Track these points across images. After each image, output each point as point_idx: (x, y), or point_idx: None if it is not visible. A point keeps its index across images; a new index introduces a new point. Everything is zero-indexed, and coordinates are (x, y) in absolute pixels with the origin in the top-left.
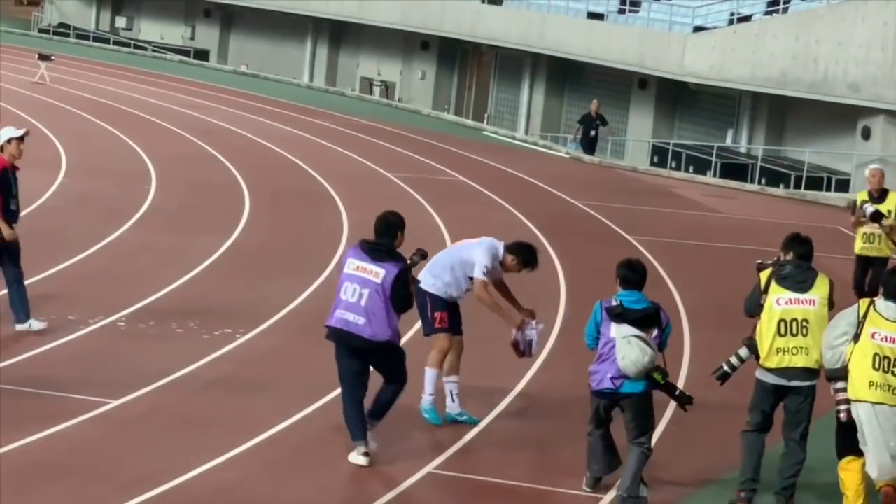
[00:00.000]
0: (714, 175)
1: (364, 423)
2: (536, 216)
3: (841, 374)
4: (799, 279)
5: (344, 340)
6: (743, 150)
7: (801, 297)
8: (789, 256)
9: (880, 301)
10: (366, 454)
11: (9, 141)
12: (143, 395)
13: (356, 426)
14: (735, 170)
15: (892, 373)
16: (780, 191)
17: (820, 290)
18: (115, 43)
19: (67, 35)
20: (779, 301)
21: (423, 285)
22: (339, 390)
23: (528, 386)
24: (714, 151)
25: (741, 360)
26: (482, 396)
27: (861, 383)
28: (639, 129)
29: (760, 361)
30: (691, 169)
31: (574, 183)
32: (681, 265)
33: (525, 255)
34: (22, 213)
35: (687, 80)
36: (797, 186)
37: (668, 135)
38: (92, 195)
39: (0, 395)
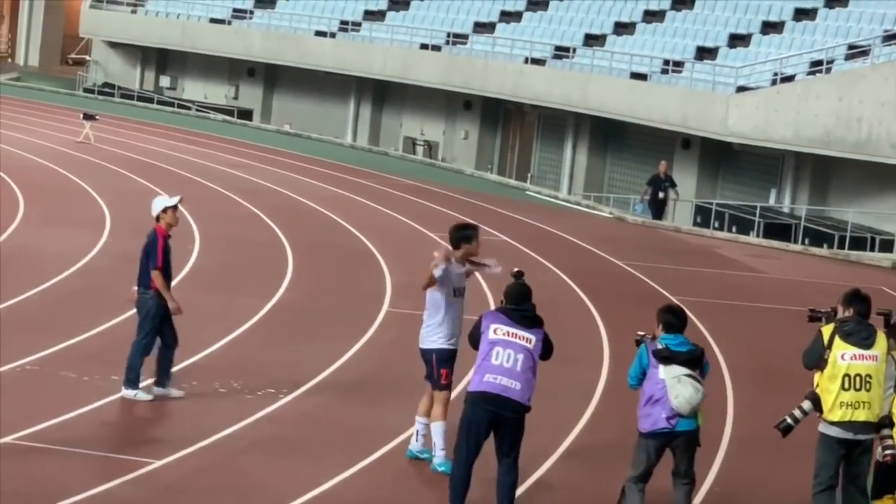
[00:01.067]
0: (757, 235)
1: (468, 487)
2: (580, 276)
3: (887, 421)
4: (863, 335)
5: (498, 405)
6: (786, 210)
7: (866, 353)
8: (848, 312)
9: None
10: None
11: (164, 210)
12: (186, 455)
13: (461, 496)
14: (778, 230)
15: None
16: (823, 251)
17: (881, 346)
18: (160, 102)
19: (112, 94)
20: (843, 356)
21: (423, 345)
22: (380, 452)
23: (574, 444)
24: (757, 211)
25: (804, 414)
26: (525, 457)
27: None
28: (682, 189)
29: (824, 415)
30: (734, 229)
31: (617, 243)
32: (724, 325)
33: (462, 235)
34: (66, 273)
35: (730, 140)
36: (841, 247)
37: (711, 195)
38: (135, 255)
39: (45, 454)
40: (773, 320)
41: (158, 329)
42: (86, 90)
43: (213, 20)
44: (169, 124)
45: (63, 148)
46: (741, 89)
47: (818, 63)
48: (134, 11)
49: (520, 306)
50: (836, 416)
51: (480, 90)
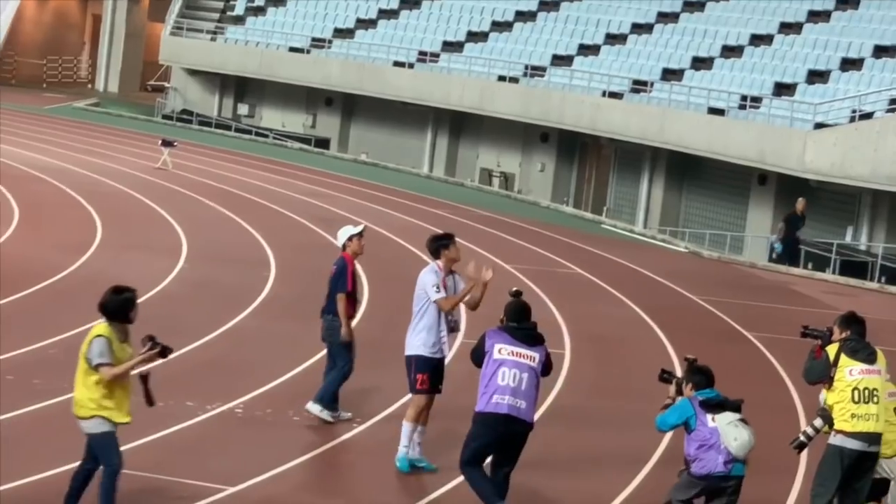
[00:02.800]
0: (833, 272)
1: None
2: (655, 311)
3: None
4: (867, 352)
5: (507, 425)
6: (863, 247)
7: (871, 367)
8: (846, 333)
9: None
10: None
11: (350, 238)
12: (259, 482)
13: (494, 488)
14: (855, 267)
15: None
16: None
17: (881, 362)
18: (237, 130)
19: (190, 121)
20: (852, 371)
21: (407, 351)
22: (455, 482)
23: (645, 483)
24: (833, 248)
25: (817, 431)
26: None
27: None
28: (758, 225)
29: (836, 427)
30: (810, 266)
31: (693, 278)
32: (799, 364)
33: (439, 244)
34: (142, 299)
35: (807, 176)
36: None
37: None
38: (211, 282)
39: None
40: None
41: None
42: (164, 117)
43: (291, 49)
44: (246, 152)
45: (141, 174)
46: (819, 126)
47: None
48: (213, 39)
49: (521, 324)
50: (849, 427)
51: (557, 123)
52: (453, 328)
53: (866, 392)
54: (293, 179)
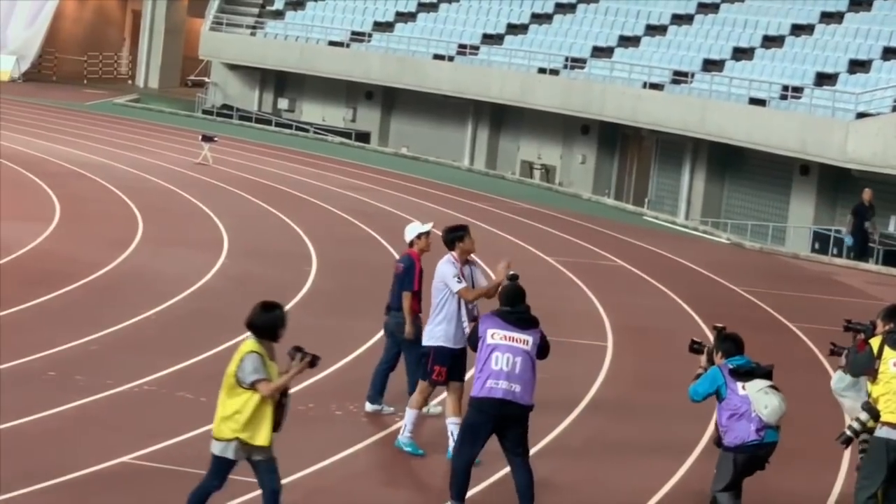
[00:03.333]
0: (876, 262)
1: (467, 487)
2: (698, 303)
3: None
4: None
5: (502, 409)
6: None
7: None
8: (889, 326)
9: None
10: None
11: (418, 236)
12: (302, 477)
13: (462, 489)
14: None
15: None
16: None
17: None
18: (278, 124)
19: (230, 116)
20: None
21: (426, 342)
22: (498, 475)
23: (687, 475)
24: (877, 238)
25: (863, 424)
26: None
27: None
28: (800, 216)
29: (882, 419)
30: (853, 256)
31: (735, 269)
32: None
33: (454, 235)
34: (183, 294)
35: (849, 166)
36: None
37: (830, 221)
38: (253, 276)
39: (162, 474)
40: None
41: (397, 348)
42: (204, 112)
43: (331, 43)
44: (286, 146)
45: (182, 169)
46: (861, 115)
47: None
48: (253, 34)
49: (515, 308)
50: (895, 419)
51: (598, 114)
52: (475, 318)
53: None
54: (334, 173)
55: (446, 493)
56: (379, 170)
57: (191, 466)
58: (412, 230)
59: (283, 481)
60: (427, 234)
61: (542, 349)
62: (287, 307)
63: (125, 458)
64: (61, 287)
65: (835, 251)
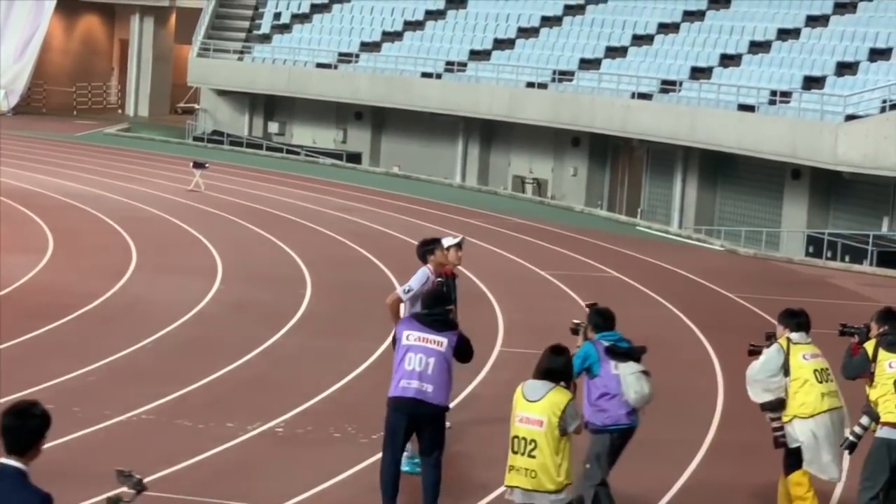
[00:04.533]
0: (871, 264)
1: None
2: (693, 311)
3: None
4: None
5: (414, 408)
6: None
7: None
8: (883, 329)
9: (793, 335)
10: None
11: (447, 249)
12: (301, 500)
13: (392, 488)
14: (892, 258)
15: (829, 380)
16: None
17: None
18: (269, 148)
19: (221, 142)
20: (891, 364)
21: None
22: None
23: (689, 482)
24: (870, 240)
25: (864, 429)
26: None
27: (815, 400)
28: (793, 220)
29: (882, 420)
30: (847, 258)
31: (729, 276)
32: (841, 357)
33: (424, 250)
34: (179, 322)
35: (840, 169)
36: None
37: (823, 225)
38: (248, 301)
39: (162, 503)
40: None
41: None
42: (195, 138)
43: (319, 65)
44: (278, 170)
45: (174, 197)
46: (850, 118)
47: None
48: (241, 59)
49: (432, 311)
50: (894, 419)
51: (588, 126)
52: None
53: None
54: (326, 195)
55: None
56: (371, 190)
57: (190, 494)
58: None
59: None
60: (458, 246)
61: (461, 351)
62: (284, 330)
63: (125, 489)
64: (58, 319)
65: (829, 254)
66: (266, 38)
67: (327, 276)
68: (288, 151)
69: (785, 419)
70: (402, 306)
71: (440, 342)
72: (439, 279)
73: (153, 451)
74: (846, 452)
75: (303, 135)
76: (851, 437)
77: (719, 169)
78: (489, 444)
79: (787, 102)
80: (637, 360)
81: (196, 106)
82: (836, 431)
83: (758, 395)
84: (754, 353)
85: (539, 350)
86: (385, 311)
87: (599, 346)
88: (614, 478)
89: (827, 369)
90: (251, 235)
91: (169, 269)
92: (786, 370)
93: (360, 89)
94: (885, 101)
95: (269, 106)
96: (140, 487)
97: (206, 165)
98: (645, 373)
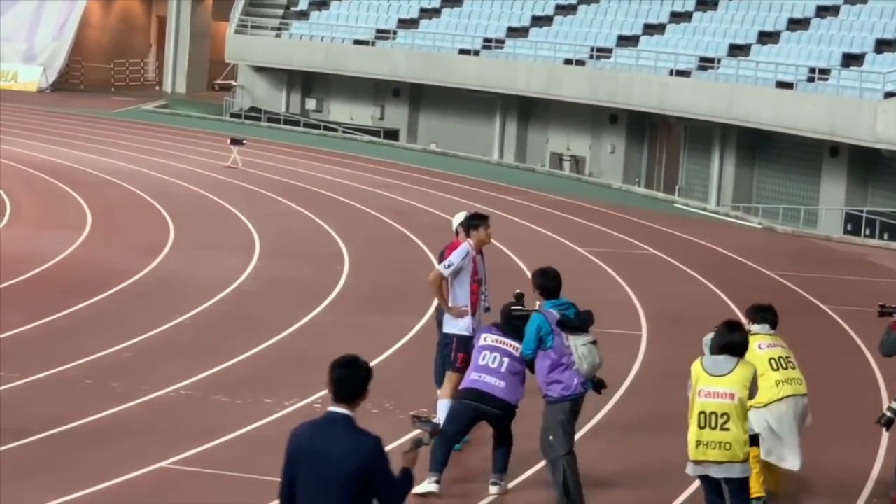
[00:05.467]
0: None
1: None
2: (730, 288)
3: None
4: None
5: (481, 400)
6: None
7: None
8: None
9: (753, 326)
10: (438, 482)
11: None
12: None
13: (439, 466)
14: None
15: (789, 367)
16: None
17: None
18: (306, 125)
19: (259, 119)
20: None
21: (445, 329)
22: (534, 470)
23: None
24: None
25: None
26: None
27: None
28: (831, 198)
29: None
30: (886, 236)
31: (767, 254)
32: (878, 335)
33: (468, 224)
34: (216, 298)
35: (879, 146)
36: None
37: (862, 202)
38: (285, 278)
39: (199, 478)
40: None
41: None
42: (232, 115)
43: (356, 42)
44: (316, 147)
45: (211, 173)
46: (889, 95)
47: None
48: (278, 35)
49: (511, 324)
50: None
51: (625, 104)
52: (486, 309)
53: None
54: (363, 172)
55: (483, 485)
56: (408, 167)
57: (228, 469)
58: (456, 218)
59: None
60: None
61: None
62: (321, 306)
63: (163, 464)
64: (95, 295)
65: (867, 232)
66: (304, 15)
67: (364, 253)
68: (325, 128)
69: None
70: (444, 282)
71: (516, 347)
72: (479, 255)
73: (191, 426)
74: (883, 430)
75: (340, 111)
76: (889, 414)
77: (757, 146)
78: (523, 421)
79: (826, 80)
80: (587, 330)
81: (233, 83)
82: (795, 418)
83: None
84: (885, 314)
85: None
86: (427, 287)
87: (551, 318)
88: (641, 451)
89: (787, 357)
90: (288, 212)
91: (206, 246)
92: None
93: (398, 66)
94: None
95: (307, 82)
96: (435, 429)
97: (244, 142)
98: (594, 342)
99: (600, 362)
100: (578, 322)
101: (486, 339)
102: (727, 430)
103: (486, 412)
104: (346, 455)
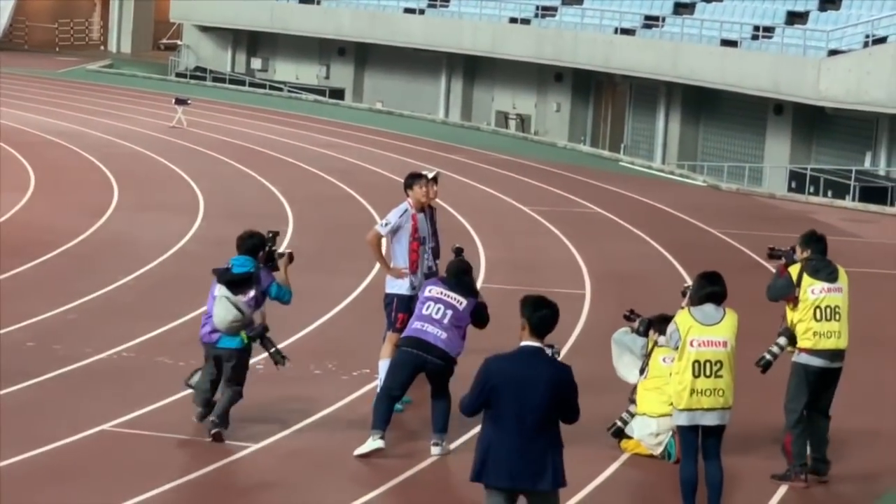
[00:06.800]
0: (853, 199)
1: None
2: (674, 246)
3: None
4: (828, 271)
5: (422, 349)
6: (882, 172)
7: (833, 286)
8: (806, 253)
9: (661, 339)
10: (382, 438)
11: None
12: (282, 438)
13: (382, 421)
14: (874, 193)
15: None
16: None
17: (843, 279)
18: (251, 84)
19: (204, 78)
20: (814, 290)
21: (386, 290)
22: (474, 431)
23: None
24: (853, 175)
25: (781, 349)
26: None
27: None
28: (775, 156)
29: (799, 345)
30: (829, 194)
31: (712, 212)
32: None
33: (405, 183)
34: (160, 259)
35: (823, 104)
36: None
37: (806, 160)
38: (229, 239)
39: (142, 440)
40: (871, 285)
41: None
42: (178, 75)
43: (302, 1)
44: (261, 106)
45: (156, 133)
46: (833, 53)
47: None
48: None
49: (459, 278)
50: (811, 345)
51: (571, 62)
52: (430, 268)
53: (828, 310)
54: (309, 132)
55: (425, 445)
56: (354, 126)
57: (171, 432)
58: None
59: (262, 444)
60: (433, 180)
61: (480, 318)
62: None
63: (105, 426)
64: (38, 256)
65: (811, 190)
66: None
67: (309, 213)
68: (271, 88)
69: None
70: (382, 241)
71: (460, 301)
72: (421, 214)
73: (133, 389)
74: (760, 371)
75: (286, 71)
76: (768, 356)
77: (702, 104)
78: (466, 382)
79: (770, 38)
80: (229, 284)
81: (179, 42)
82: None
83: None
84: (774, 257)
85: (521, 286)
86: (366, 247)
87: (218, 268)
88: (599, 407)
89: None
90: (233, 172)
91: (150, 207)
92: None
93: (343, 25)
94: (867, 36)
95: (252, 42)
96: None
97: (189, 102)
98: (228, 300)
99: (226, 316)
100: (222, 272)
101: (431, 290)
102: (721, 377)
103: (426, 361)
104: (549, 379)
